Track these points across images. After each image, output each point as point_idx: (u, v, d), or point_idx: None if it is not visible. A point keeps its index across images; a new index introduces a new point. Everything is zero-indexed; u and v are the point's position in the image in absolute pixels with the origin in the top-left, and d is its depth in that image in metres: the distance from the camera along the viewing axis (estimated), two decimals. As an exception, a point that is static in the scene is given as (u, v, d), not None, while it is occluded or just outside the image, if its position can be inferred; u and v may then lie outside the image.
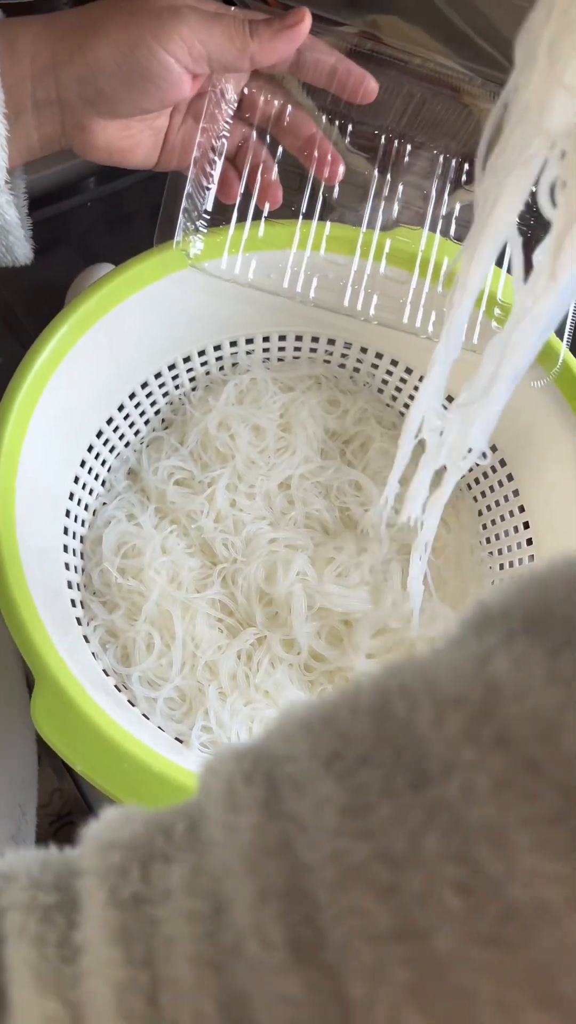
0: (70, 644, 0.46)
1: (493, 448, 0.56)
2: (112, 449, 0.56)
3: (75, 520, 0.53)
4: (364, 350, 0.59)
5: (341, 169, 0.48)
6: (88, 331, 0.49)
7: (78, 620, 0.49)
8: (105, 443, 0.55)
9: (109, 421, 0.55)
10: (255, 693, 0.49)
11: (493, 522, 0.57)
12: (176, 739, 0.47)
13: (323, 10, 0.69)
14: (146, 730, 0.45)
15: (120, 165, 0.46)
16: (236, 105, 0.49)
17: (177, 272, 0.51)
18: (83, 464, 0.53)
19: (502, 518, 0.56)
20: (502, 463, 0.56)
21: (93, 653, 0.48)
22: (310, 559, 0.53)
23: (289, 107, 0.49)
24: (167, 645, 0.49)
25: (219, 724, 0.47)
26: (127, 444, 0.57)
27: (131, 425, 0.57)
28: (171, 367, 0.57)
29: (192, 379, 0.59)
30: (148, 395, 0.57)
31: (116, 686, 0.47)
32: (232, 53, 0.42)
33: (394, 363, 0.59)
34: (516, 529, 0.55)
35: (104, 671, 0.48)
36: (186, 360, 0.57)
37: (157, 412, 0.58)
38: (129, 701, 0.47)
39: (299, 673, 0.51)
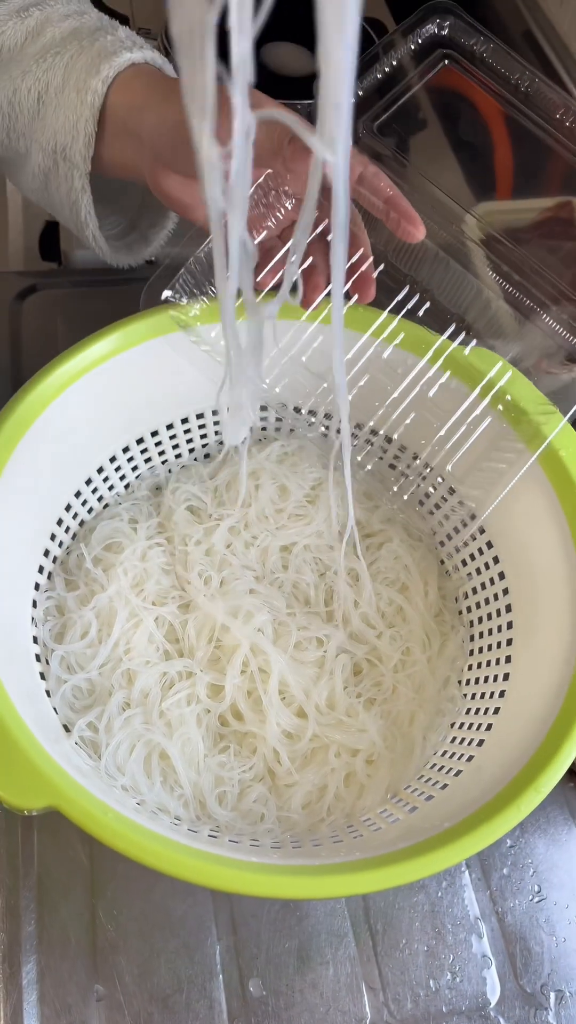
0: (16, 600, 0.48)
1: (501, 574, 0.53)
2: (148, 460, 0.58)
3: (83, 504, 0.55)
4: (416, 457, 0.59)
5: (422, 230, 0.47)
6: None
7: (37, 585, 0.51)
8: (143, 451, 0.57)
9: (154, 433, 0.57)
10: (157, 719, 0.47)
11: (479, 665, 0.54)
12: (64, 726, 0.46)
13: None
14: (36, 703, 0.45)
15: (184, 216, 0.49)
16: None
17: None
18: (113, 460, 0.56)
19: (488, 663, 0.53)
20: (508, 608, 0.53)
21: (33, 618, 0.49)
22: (275, 622, 0.52)
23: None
24: (100, 639, 0.49)
25: (107, 729, 0.46)
26: (164, 462, 0.59)
27: (175, 447, 0.59)
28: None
29: (250, 428, 0.61)
30: (200, 424, 0.59)
31: (37, 655, 0.48)
32: (267, 148, 0.43)
33: (440, 480, 0.58)
34: (496, 678, 0.51)
35: (34, 638, 0.48)
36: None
37: (204, 445, 0.61)
38: (41, 674, 0.47)
39: (211, 721, 0.49)
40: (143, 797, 0.45)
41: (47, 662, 0.49)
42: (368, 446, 0.61)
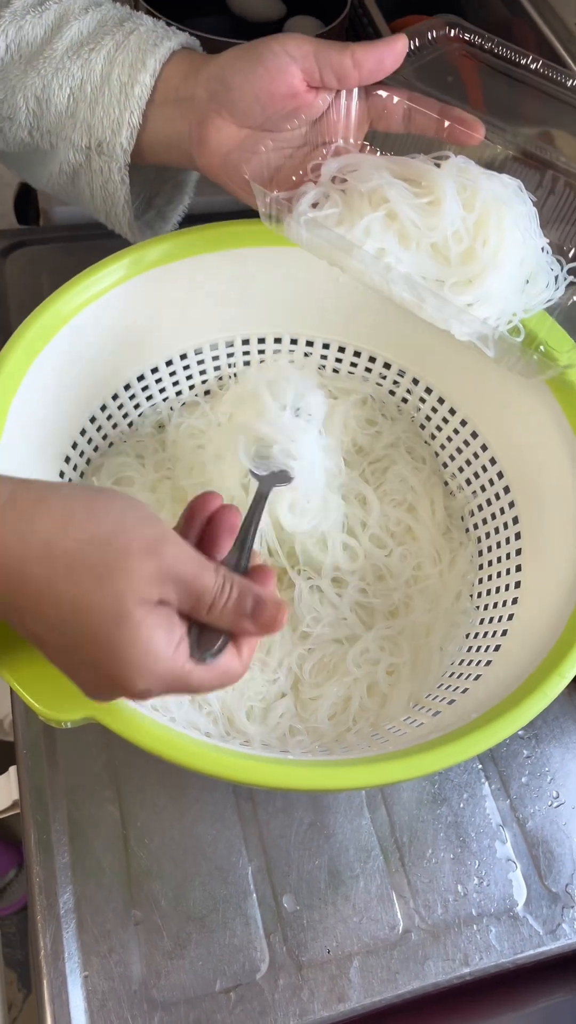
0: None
1: (506, 488, 0.54)
2: (149, 397, 0.58)
3: (88, 442, 0.55)
4: (416, 382, 0.59)
5: (481, 129, 0.48)
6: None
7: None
8: (144, 388, 0.58)
9: (155, 370, 0.57)
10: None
11: (490, 577, 0.55)
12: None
13: (499, 117, 0.75)
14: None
15: (227, 184, 0.49)
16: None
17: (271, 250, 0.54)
18: (115, 397, 0.56)
19: (499, 574, 0.54)
20: (515, 520, 0.54)
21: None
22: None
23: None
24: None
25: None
26: (165, 399, 0.59)
27: (175, 383, 0.59)
28: (229, 344, 0.59)
29: (247, 362, 0.61)
30: (199, 360, 0.59)
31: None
32: (335, 49, 0.46)
33: (440, 401, 0.59)
34: (508, 587, 0.52)
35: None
36: (244, 342, 0.60)
37: (204, 381, 0.61)
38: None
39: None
40: (173, 715, 0.46)
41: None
42: (367, 373, 0.61)
